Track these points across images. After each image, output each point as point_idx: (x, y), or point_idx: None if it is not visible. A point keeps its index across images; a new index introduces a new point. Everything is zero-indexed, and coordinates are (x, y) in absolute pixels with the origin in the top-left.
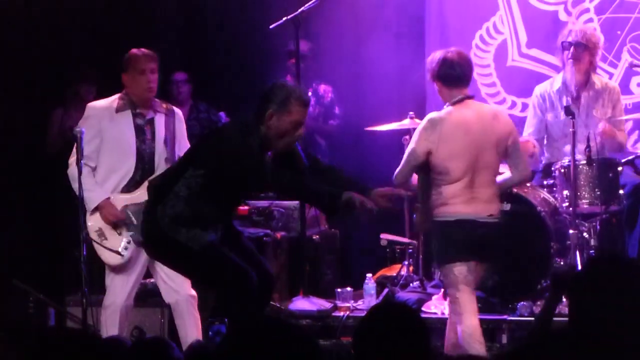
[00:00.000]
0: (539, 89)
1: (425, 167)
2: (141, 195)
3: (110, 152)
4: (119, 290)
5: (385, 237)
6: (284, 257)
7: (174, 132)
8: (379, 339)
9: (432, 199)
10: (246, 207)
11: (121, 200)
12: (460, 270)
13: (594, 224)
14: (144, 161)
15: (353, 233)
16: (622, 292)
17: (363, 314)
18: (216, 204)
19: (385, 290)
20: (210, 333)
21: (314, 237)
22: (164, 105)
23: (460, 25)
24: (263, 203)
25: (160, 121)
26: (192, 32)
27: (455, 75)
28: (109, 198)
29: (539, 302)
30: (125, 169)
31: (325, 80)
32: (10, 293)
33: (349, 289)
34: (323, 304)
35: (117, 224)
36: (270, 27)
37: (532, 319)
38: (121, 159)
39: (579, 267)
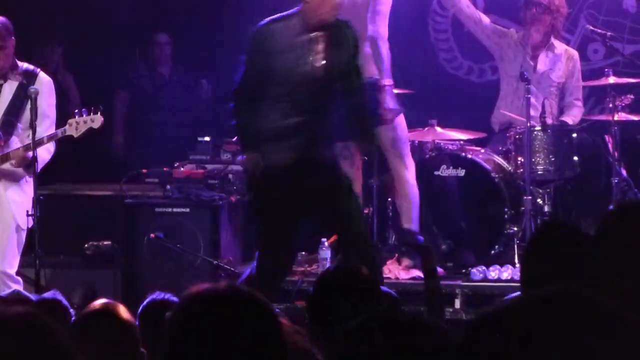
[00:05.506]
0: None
1: None
2: None
3: None
4: None
5: None
6: (238, 220)
7: (24, 99)
8: (333, 301)
9: None
10: (201, 171)
11: None
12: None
13: (548, 190)
14: None
15: None
16: (571, 260)
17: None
18: None
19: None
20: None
21: None
22: (26, 72)
23: None
24: (218, 167)
25: (8, 89)
26: None
27: None
28: None
29: (492, 268)
30: None
31: None
32: None
33: (303, 253)
34: None
35: None
36: None
37: (485, 284)
38: None
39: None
